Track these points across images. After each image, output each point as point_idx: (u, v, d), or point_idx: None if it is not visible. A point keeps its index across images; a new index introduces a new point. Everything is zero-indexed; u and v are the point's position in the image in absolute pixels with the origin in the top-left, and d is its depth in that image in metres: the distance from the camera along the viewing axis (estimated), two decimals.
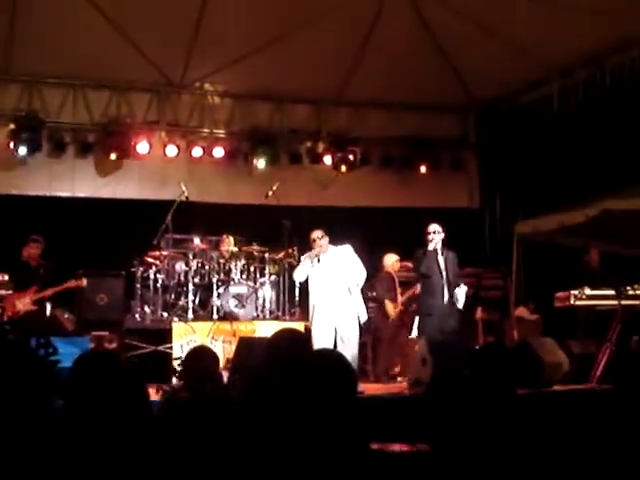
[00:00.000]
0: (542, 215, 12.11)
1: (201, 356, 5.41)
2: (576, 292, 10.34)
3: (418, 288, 10.81)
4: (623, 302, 10.38)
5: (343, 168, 13.98)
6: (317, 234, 10.00)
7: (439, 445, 3.13)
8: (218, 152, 13.53)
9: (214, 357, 5.46)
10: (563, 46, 11.77)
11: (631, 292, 10.40)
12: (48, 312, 11.17)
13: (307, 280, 10.28)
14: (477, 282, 12.35)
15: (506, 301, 12.03)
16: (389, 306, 11.83)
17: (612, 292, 10.35)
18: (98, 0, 11.23)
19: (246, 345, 9.24)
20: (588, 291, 10.37)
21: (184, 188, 11.97)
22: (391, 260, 12.10)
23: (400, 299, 11.87)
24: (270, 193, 12.10)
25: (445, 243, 10.22)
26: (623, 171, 11.33)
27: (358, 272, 10.05)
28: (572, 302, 10.39)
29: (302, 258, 10.29)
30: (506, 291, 12.14)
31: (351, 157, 13.94)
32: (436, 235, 10.15)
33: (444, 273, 10.06)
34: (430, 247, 10.13)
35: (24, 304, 10.67)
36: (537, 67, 12.53)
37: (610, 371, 9.55)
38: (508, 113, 14.08)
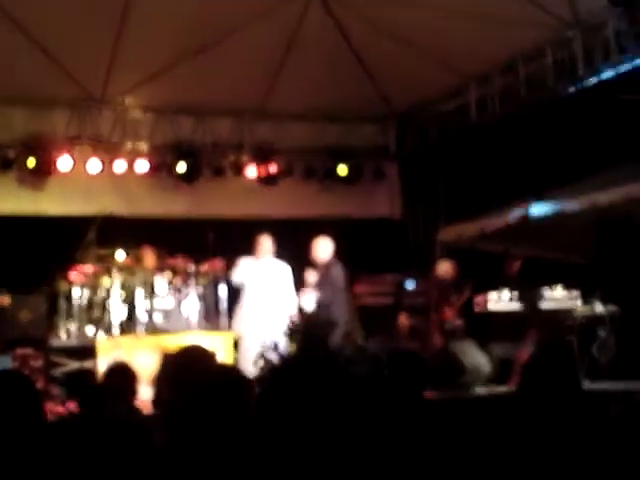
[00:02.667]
0: (464, 222, 12.34)
1: (115, 373, 5.43)
2: (494, 296, 10.55)
3: None
4: (541, 305, 10.61)
5: (266, 180, 14.07)
6: (261, 240, 10.07)
7: None
8: (142, 166, 13.50)
9: (130, 374, 5.48)
10: (479, 55, 12.02)
11: (548, 294, 10.63)
12: None
13: (237, 290, 10.35)
14: (399, 289, 12.55)
15: (429, 308, 12.20)
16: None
17: (530, 295, 10.57)
18: (14, 12, 11.09)
19: (170, 360, 9.22)
20: (506, 295, 10.58)
21: (106, 203, 11.94)
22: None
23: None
24: (189, 206, 12.15)
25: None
26: (542, 177, 11.60)
27: (292, 295, 10.21)
28: (490, 306, 10.59)
29: (239, 261, 10.31)
30: (428, 297, 12.32)
31: (274, 169, 14.04)
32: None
33: None
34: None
35: None
36: (454, 76, 12.77)
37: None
38: (427, 122, 14.31)
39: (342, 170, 14.52)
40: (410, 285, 12.66)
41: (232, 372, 4.20)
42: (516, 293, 10.61)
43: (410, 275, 12.94)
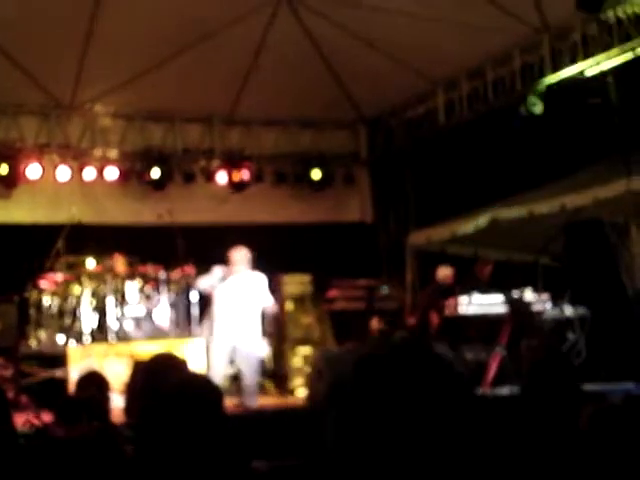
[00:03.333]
0: (434, 226, 12.39)
1: (87, 383, 5.40)
2: (465, 299, 10.58)
3: None
4: (511, 307, 10.66)
5: (237, 186, 14.06)
6: (237, 254, 10.03)
7: (311, 459, 3.21)
8: (111, 173, 13.45)
9: (102, 383, 5.46)
10: (447, 60, 12.10)
11: (518, 297, 10.68)
12: None
13: (207, 297, 10.34)
14: (371, 293, 12.59)
15: (401, 311, 12.25)
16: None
17: (500, 298, 10.61)
18: None
19: (141, 367, 9.19)
20: (476, 298, 10.61)
21: (75, 211, 11.88)
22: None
23: None
24: (163, 212, 12.10)
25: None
26: (510, 181, 11.66)
27: (267, 303, 10.19)
28: (461, 310, 10.62)
29: (213, 269, 10.27)
30: (400, 301, 12.38)
31: (245, 175, 14.04)
32: None
33: None
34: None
35: None
36: (422, 81, 12.84)
37: (500, 376, 9.80)
38: (397, 127, 14.38)
39: (314, 175, 14.53)
40: (385, 291, 12.70)
41: (202, 380, 4.20)
42: (500, 296, 10.62)
43: (381, 279, 12.98)
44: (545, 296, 10.77)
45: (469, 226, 11.57)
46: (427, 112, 13.54)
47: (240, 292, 9.97)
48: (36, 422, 5.02)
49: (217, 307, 10.09)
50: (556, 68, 11.16)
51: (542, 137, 11.32)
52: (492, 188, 11.93)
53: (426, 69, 12.41)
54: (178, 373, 4.93)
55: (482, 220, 11.35)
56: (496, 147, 12.14)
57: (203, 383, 4.03)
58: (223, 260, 10.13)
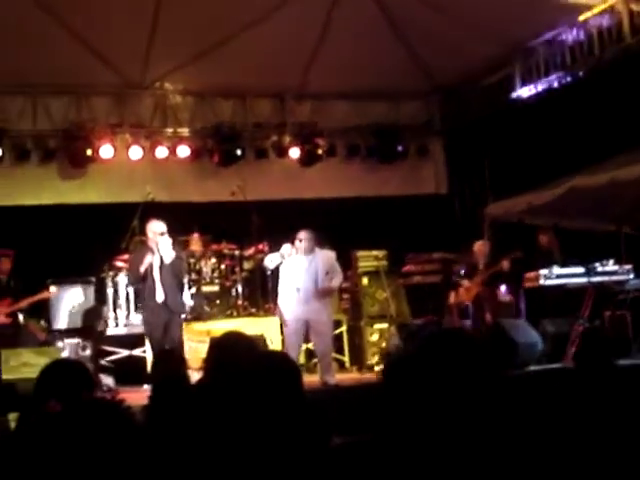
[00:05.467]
0: (512, 196, 12.12)
1: (165, 361, 5.36)
2: (545, 272, 10.33)
3: None
4: (593, 279, 10.40)
5: (309, 161, 13.92)
6: (300, 235, 9.94)
7: (388, 434, 3.10)
8: (183, 151, 13.43)
9: (180, 361, 5.42)
10: (522, 25, 11.76)
11: (600, 269, 10.41)
12: (21, 322, 11.11)
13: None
14: (448, 267, 12.39)
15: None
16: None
17: (581, 270, 10.35)
18: (50, 5, 11.05)
19: (218, 344, 9.17)
20: (557, 270, 10.35)
21: (150, 189, 11.88)
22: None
23: None
24: (235, 190, 12.03)
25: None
26: (589, 149, 11.33)
27: (336, 280, 10.07)
28: (542, 282, 10.38)
29: (282, 248, 10.18)
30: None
31: (317, 149, 13.88)
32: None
33: None
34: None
35: None
36: (497, 48, 12.50)
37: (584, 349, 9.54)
38: (471, 96, 14.07)
39: (387, 147, 14.33)
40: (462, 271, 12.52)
41: (279, 356, 4.13)
42: (568, 269, 10.38)
43: (457, 252, 12.75)
44: (628, 266, 10.48)
45: (548, 195, 11.27)
46: (502, 79, 13.22)
47: (308, 270, 9.87)
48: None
49: (285, 286, 10.01)
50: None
51: (622, 103, 10.97)
52: (570, 157, 11.61)
53: (501, 36, 12.06)
54: (254, 350, 4.87)
55: (561, 189, 11.04)
56: (574, 115, 11.81)
57: (280, 359, 3.96)
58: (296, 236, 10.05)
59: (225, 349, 5.07)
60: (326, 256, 10.01)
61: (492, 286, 11.55)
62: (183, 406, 4.43)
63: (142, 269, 9.72)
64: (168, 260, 9.72)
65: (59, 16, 11.28)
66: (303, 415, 3.64)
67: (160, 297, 9.69)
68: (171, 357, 5.80)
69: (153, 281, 9.73)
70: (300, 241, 9.88)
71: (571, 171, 11.11)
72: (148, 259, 9.70)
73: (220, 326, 11.34)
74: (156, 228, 9.81)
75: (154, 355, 9.51)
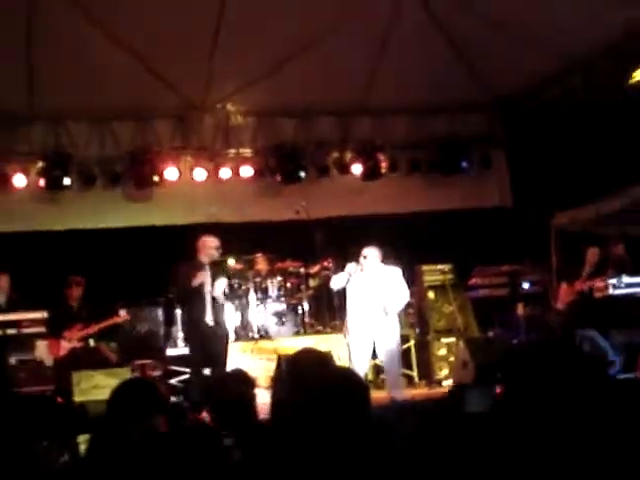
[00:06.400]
0: (578, 207, 12.01)
1: (234, 382, 5.37)
2: (614, 281, 10.18)
3: None
4: None
5: (371, 177, 13.92)
6: (365, 252, 9.93)
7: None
8: (246, 171, 13.54)
9: (248, 381, 5.42)
10: (583, 36, 11.62)
11: None
12: (92, 345, 11.30)
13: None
14: (515, 280, 12.28)
15: (547, 295, 11.90)
16: None
17: None
18: (112, 30, 11.25)
19: (286, 362, 9.20)
20: (627, 279, 10.20)
21: (214, 210, 11.99)
22: None
23: None
24: (299, 208, 12.07)
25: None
26: None
27: (402, 298, 10.01)
28: (611, 291, 10.23)
29: (347, 267, 10.17)
30: (546, 285, 12.03)
31: (379, 165, 13.88)
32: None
33: None
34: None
35: (69, 343, 10.85)
36: (558, 59, 12.38)
37: None
38: (533, 107, 13.94)
39: (449, 161, 14.28)
40: (527, 285, 12.38)
41: (347, 374, 4.13)
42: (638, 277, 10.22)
43: (524, 264, 12.64)
44: None
45: (615, 204, 11.13)
46: (565, 91, 13.07)
47: (373, 288, 9.84)
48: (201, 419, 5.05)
49: (352, 303, 10.00)
50: None
51: None
52: (634, 166, 11.44)
53: (562, 47, 11.93)
54: (322, 367, 4.87)
55: (628, 197, 10.90)
56: (638, 124, 11.63)
57: (348, 376, 3.96)
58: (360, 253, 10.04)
59: (298, 366, 5.09)
60: (391, 273, 9.98)
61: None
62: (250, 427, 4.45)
63: (195, 283, 9.75)
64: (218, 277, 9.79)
65: (122, 41, 11.48)
66: (370, 432, 3.64)
67: (211, 315, 9.76)
68: (240, 377, 5.81)
69: (203, 298, 9.77)
70: (365, 258, 9.87)
71: (635, 180, 10.97)
72: (201, 275, 9.75)
73: (287, 344, 11.39)
74: (211, 243, 9.87)
75: (217, 375, 9.41)
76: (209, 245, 9.85)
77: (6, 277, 11.69)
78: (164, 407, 3.51)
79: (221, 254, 11.73)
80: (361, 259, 9.87)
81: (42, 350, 11.03)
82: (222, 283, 10.41)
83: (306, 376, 4.79)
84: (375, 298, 9.83)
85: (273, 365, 10.85)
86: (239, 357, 11.19)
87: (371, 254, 9.87)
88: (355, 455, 3.48)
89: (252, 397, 5.46)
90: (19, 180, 12.50)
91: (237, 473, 3.33)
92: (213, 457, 2.27)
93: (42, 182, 12.57)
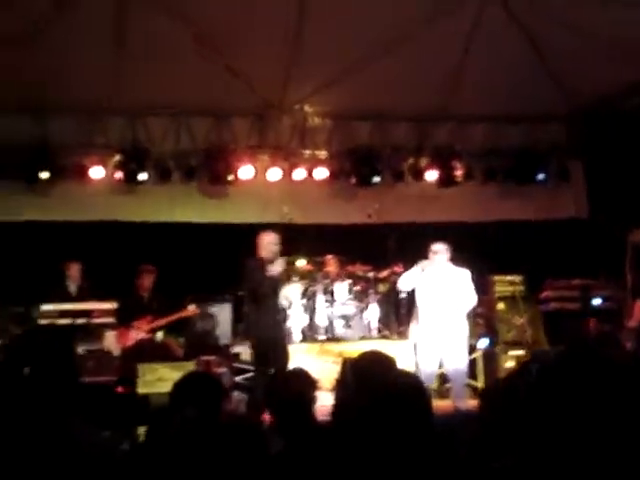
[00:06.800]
0: None
1: (295, 381, 5.35)
2: None
3: None
4: None
5: (446, 184, 13.79)
6: (435, 247, 9.89)
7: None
8: (321, 173, 13.53)
9: (309, 381, 5.39)
10: None
11: None
12: (160, 339, 11.38)
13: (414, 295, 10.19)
14: (587, 294, 12.06)
15: (620, 312, 11.65)
16: None
17: None
18: (194, 28, 11.34)
19: (351, 366, 9.15)
20: None
21: (287, 210, 11.99)
22: None
23: None
24: (371, 212, 12.01)
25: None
26: None
27: (471, 300, 9.91)
28: None
29: (419, 264, 10.12)
30: (620, 302, 11.78)
31: (454, 172, 13.75)
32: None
33: None
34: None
35: (138, 334, 10.95)
36: (639, 69, 12.13)
37: None
38: (612, 119, 13.67)
39: (525, 170, 14.10)
40: (597, 301, 12.15)
41: (411, 380, 4.08)
42: None
43: (599, 279, 12.41)
44: None
45: None
46: None
47: (443, 287, 9.76)
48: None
49: (421, 304, 9.93)
50: None
51: None
52: None
53: None
54: (387, 371, 4.81)
55: None
56: None
57: (412, 383, 3.91)
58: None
59: (363, 369, 5.05)
60: (461, 274, 9.89)
61: None
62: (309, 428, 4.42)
63: (272, 272, 9.67)
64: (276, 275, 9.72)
65: (201, 38, 11.56)
66: (432, 438, 3.60)
67: (275, 315, 9.76)
68: (301, 377, 5.78)
69: (270, 298, 9.73)
70: (434, 253, 9.80)
71: None
72: (272, 270, 9.68)
73: (353, 348, 11.35)
74: (270, 238, 9.80)
75: (278, 376, 9.32)
76: (269, 241, 9.77)
77: (77, 266, 11.87)
78: (222, 402, 3.50)
79: (291, 255, 11.80)
80: (430, 254, 9.81)
81: (110, 340, 11.15)
82: (294, 289, 10.41)
83: (371, 380, 4.74)
84: (445, 299, 9.75)
85: (338, 368, 10.85)
86: (304, 358, 11.19)
87: (440, 249, 9.81)
88: (416, 461, 3.44)
89: (312, 397, 5.44)
90: (96, 172, 12.68)
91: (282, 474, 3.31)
92: (258, 457, 2.24)
93: (119, 175, 12.72)
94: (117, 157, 12.70)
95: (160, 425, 3.47)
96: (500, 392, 4.25)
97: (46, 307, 11.19)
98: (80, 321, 11.17)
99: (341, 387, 6.86)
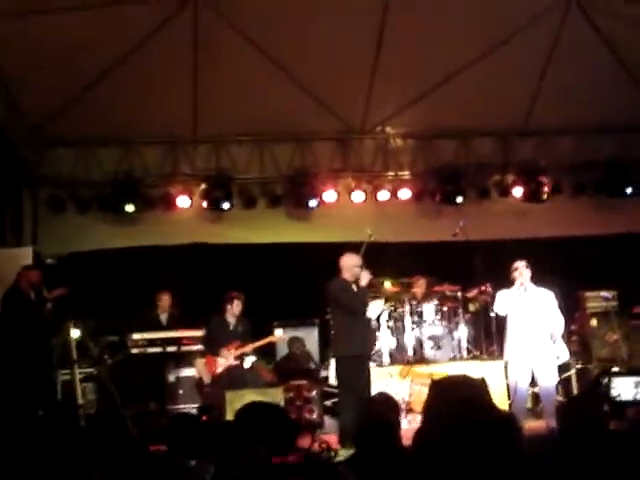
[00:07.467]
0: None
1: (378, 406, 5.30)
2: None
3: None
4: None
5: (534, 199, 13.54)
6: (517, 265, 9.75)
7: None
8: (404, 194, 13.44)
9: (389, 404, 5.33)
10: None
11: None
12: (250, 364, 11.39)
13: (505, 317, 10.02)
14: None
15: None
16: None
17: None
18: (273, 55, 11.44)
19: (439, 387, 9.03)
20: None
21: (370, 231, 11.93)
22: None
23: None
24: (458, 230, 11.87)
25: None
26: None
27: (559, 321, 9.73)
28: None
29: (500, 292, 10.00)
30: None
31: (541, 187, 13.48)
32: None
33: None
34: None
35: (226, 361, 11.00)
36: None
37: None
38: None
39: (616, 183, 13.75)
40: None
41: (500, 415, 3.97)
42: None
43: None
44: None
45: None
46: None
47: (534, 308, 9.59)
48: (322, 446, 4.97)
49: (511, 326, 9.77)
50: None
51: None
52: None
53: None
54: (477, 396, 4.71)
55: None
56: None
57: (501, 419, 3.81)
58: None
59: (442, 395, 4.97)
60: (547, 295, 9.72)
61: None
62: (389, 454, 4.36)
63: (364, 282, 9.64)
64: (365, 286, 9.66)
65: (283, 65, 11.66)
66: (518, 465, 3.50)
67: (368, 329, 9.73)
68: (385, 402, 5.72)
69: (361, 313, 9.69)
70: (516, 269, 9.66)
71: None
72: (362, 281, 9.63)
73: (443, 369, 11.21)
74: (355, 261, 9.75)
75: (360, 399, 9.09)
76: (351, 263, 9.74)
77: (168, 296, 12.04)
78: (288, 433, 3.45)
79: (377, 276, 11.72)
80: (514, 274, 9.67)
81: (201, 367, 11.27)
82: (378, 305, 10.35)
83: (456, 406, 4.66)
84: (537, 322, 9.58)
85: (427, 391, 10.72)
86: (393, 381, 11.10)
87: (524, 265, 9.67)
88: None
89: (395, 422, 5.36)
90: (183, 201, 12.82)
91: None
92: None
93: (205, 204, 12.83)
94: (202, 186, 12.81)
95: (228, 462, 3.45)
96: (575, 408, 4.12)
97: (137, 336, 11.39)
98: (170, 349, 11.32)
99: (426, 411, 6.77)
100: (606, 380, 9.14)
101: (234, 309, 11.34)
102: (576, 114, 13.03)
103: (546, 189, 13.51)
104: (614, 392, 9.43)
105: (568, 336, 11.78)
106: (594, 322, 12.06)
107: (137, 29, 10.69)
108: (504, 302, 9.87)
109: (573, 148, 13.81)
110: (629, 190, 13.73)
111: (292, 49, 11.48)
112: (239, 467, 2.47)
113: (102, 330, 11.79)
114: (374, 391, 9.37)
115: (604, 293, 12.09)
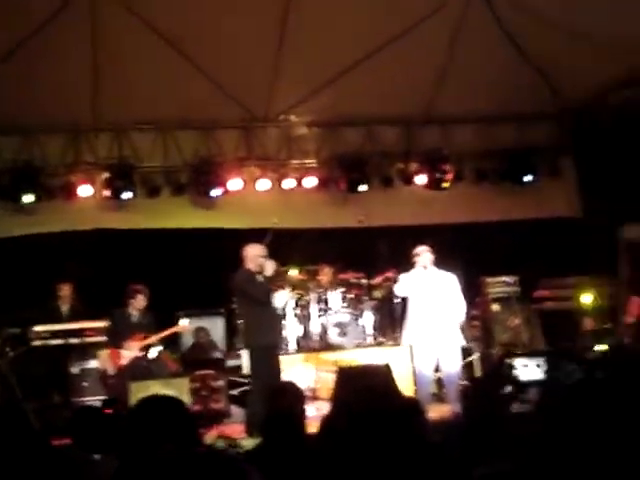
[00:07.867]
0: None
1: (282, 394, 5.30)
2: None
3: None
4: None
5: (436, 187, 13.71)
6: (417, 250, 9.89)
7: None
8: (310, 182, 13.46)
9: (294, 394, 5.34)
10: None
11: None
12: (155, 354, 11.24)
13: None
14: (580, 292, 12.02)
15: (615, 309, 11.62)
16: None
17: None
18: (175, 41, 11.30)
19: (345, 376, 9.11)
20: None
21: (276, 220, 11.91)
22: None
23: None
24: (362, 218, 11.95)
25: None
26: None
27: (461, 306, 9.87)
28: None
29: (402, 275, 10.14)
30: (615, 299, 11.75)
31: (444, 175, 13.66)
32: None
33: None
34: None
35: (130, 352, 10.84)
36: (628, 67, 12.07)
37: None
38: (603, 116, 13.60)
39: (517, 170, 14.02)
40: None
41: (401, 399, 4.03)
42: None
43: (592, 277, 12.36)
44: None
45: None
46: (635, 99, 12.73)
47: (433, 291, 9.73)
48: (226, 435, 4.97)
49: (412, 310, 9.90)
50: None
51: None
52: None
53: (631, 55, 11.62)
54: (382, 384, 4.77)
55: None
56: None
57: (405, 405, 3.86)
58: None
59: (348, 383, 5.00)
60: (449, 278, 9.86)
61: None
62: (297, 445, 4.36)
63: (268, 273, 9.66)
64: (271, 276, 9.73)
65: (186, 52, 11.53)
66: (422, 451, 3.54)
67: (275, 321, 9.74)
68: (289, 390, 5.71)
69: (268, 304, 9.70)
70: (418, 255, 9.81)
71: None
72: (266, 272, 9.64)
73: (348, 356, 11.29)
74: (258, 251, 9.77)
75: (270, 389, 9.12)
76: (255, 253, 9.74)
77: (69, 286, 11.82)
78: (186, 428, 3.40)
79: (283, 265, 11.74)
80: (415, 258, 9.82)
81: (105, 359, 11.08)
82: (284, 294, 10.36)
83: (364, 392, 4.70)
84: (438, 304, 9.72)
85: (332, 377, 10.82)
86: (300, 368, 11.13)
87: (424, 249, 9.82)
88: (403, 471, 3.39)
89: (301, 410, 5.38)
90: (84, 190, 12.55)
91: None
92: None
93: (107, 193, 12.61)
94: (104, 175, 12.57)
95: (131, 456, 3.40)
96: (479, 391, 4.19)
97: (39, 328, 11.16)
98: (73, 341, 11.14)
99: (334, 398, 6.82)
100: (509, 362, 9.31)
101: (137, 303, 11.09)
102: (478, 103, 13.23)
103: (448, 177, 13.68)
104: (516, 373, 9.61)
105: (470, 321, 12.00)
106: (496, 307, 12.29)
107: (36, 13, 10.43)
108: (405, 284, 10.01)
109: (475, 136, 14.03)
110: (529, 177, 14.02)
111: (195, 36, 11.36)
112: (143, 462, 2.43)
113: (3, 322, 11.50)
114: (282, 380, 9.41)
115: (505, 278, 12.32)
